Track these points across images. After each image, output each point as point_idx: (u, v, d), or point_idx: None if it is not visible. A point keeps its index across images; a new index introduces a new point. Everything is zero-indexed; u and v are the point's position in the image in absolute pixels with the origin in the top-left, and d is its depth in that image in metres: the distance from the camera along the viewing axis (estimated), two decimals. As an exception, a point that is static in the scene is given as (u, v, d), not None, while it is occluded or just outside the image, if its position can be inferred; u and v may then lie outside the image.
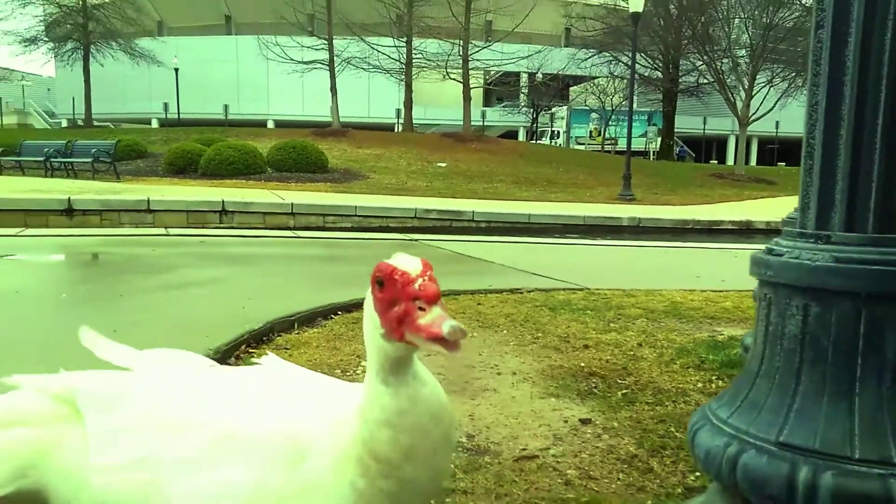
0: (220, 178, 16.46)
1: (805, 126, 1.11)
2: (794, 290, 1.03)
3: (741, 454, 1.00)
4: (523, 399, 2.44)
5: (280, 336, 3.30)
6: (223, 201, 11.51)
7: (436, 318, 0.81)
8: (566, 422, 2.21)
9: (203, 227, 10.13)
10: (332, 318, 3.77)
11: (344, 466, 0.93)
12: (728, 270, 6.50)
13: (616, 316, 3.92)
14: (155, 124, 36.68)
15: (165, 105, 36.46)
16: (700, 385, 2.59)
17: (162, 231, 8.39)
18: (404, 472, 0.91)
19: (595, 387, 2.61)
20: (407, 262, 0.87)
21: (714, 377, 2.67)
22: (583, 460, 1.89)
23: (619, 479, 1.77)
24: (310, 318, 3.68)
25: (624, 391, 2.55)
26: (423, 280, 0.84)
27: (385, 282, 0.87)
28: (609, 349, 3.11)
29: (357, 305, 4.05)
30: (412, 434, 0.90)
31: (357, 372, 2.74)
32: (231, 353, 2.93)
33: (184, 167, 17.60)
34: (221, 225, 11.14)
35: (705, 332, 3.51)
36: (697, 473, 1.78)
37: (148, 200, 11.16)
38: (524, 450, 1.95)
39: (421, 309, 0.83)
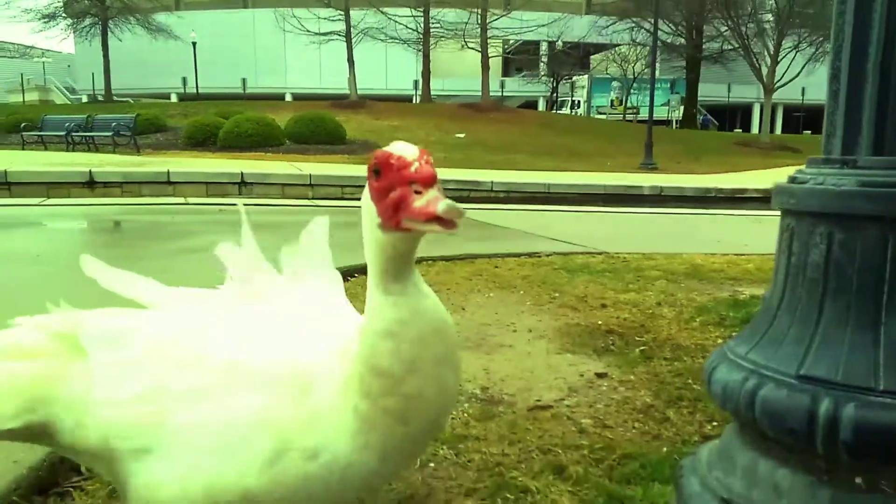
0: (238, 151, 16.51)
1: (832, 47, 1.05)
2: (819, 218, 0.98)
3: (760, 388, 0.97)
4: (539, 354, 2.42)
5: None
6: (242, 173, 11.55)
7: (431, 200, 0.79)
8: (582, 375, 2.18)
9: (222, 198, 10.18)
10: (349, 280, 3.77)
11: (346, 392, 0.92)
12: (751, 235, 6.40)
13: (635, 278, 3.87)
14: (174, 99, 36.76)
15: (184, 80, 36.47)
16: (720, 341, 2.55)
17: (181, 200, 8.44)
18: (408, 385, 0.89)
19: (612, 344, 2.58)
20: (404, 148, 0.85)
21: (734, 333, 2.61)
22: (598, 410, 1.86)
23: (634, 427, 1.75)
24: (326, 281, 3.67)
25: (642, 348, 2.51)
26: (420, 164, 0.83)
27: (381, 169, 0.85)
28: (627, 308, 3.07)
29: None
30: (414, 345, 0.88)
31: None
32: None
33: (203, 140, 17.67)
34: (241, 196, 11.19)
35: (726, 293, 3.45)
36: (715, 422, 1.75)
37: (168, 172, 11.24)
38: (538, 401, 1.94)
39: (417, 193, 0.81)
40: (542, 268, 4.20)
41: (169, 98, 37.27)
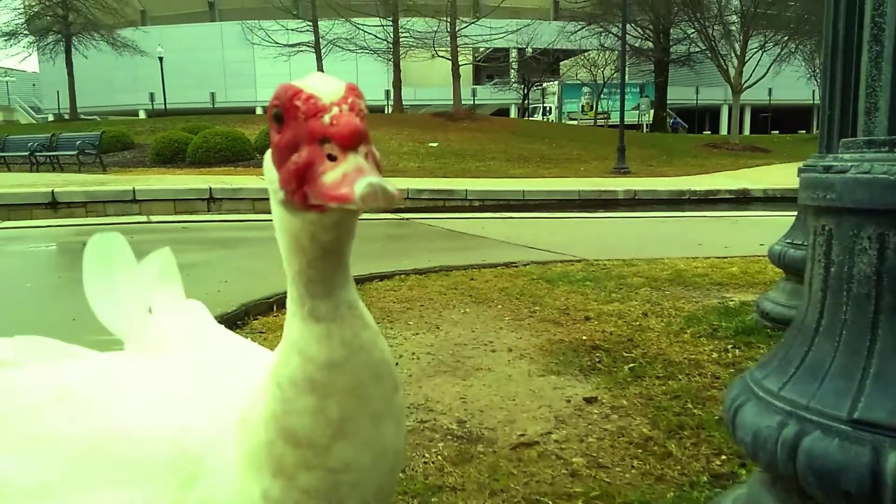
0: (208, 166, 16.14)
1: (868, 5, 0.85)
2: (867, 216, 0.77)
3: (802, 437, 0.76)
4: (520, 378, 2.20)
5: (256, 319, 3.05)
6: (210, 188, 11.23)
7: (349, 172, 0.51)
8: (569, 401, 1.97)
9: (191, 215, 9.87)
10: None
11: (251, 471, 0.66)
12: (730, 237, 6.28)
13: (617, 286, 3.68)
14: (142, 115, 36.11)
15: (152, 95, 35.86)
16: (715, 355, 2.35)
17: (143, 219, 8.11)
18: (336, 456, 0.64)
19: (599, 361, 2.37)
20: (319, 83, 0.57)
21: (729, 346, 2.43)
22: (590, 445, 1.64)
23: (633, 466, 1.53)
24: (290, 300, 3.43)
25: (631, 365, 2.31)
26: (339, 109, 0.54)
27: (284, 113, 0.57)
28: (612, 320, 2.87)
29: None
30: (346, 398, 0.63)
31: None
32: (201, 340, 2.68)
33: (171, 157, 17.27)
34: (209, 212, 10.87)
35: (714, 299, 3.27)
36: (724, 456, 1.55)
37: (133, 190, 10.87)
38: (522, 435, 1.71)
39: (331, 157, 0.53)
40: (520, 278, 3.99)
41: (137, 115, 36.66)
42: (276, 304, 3.27)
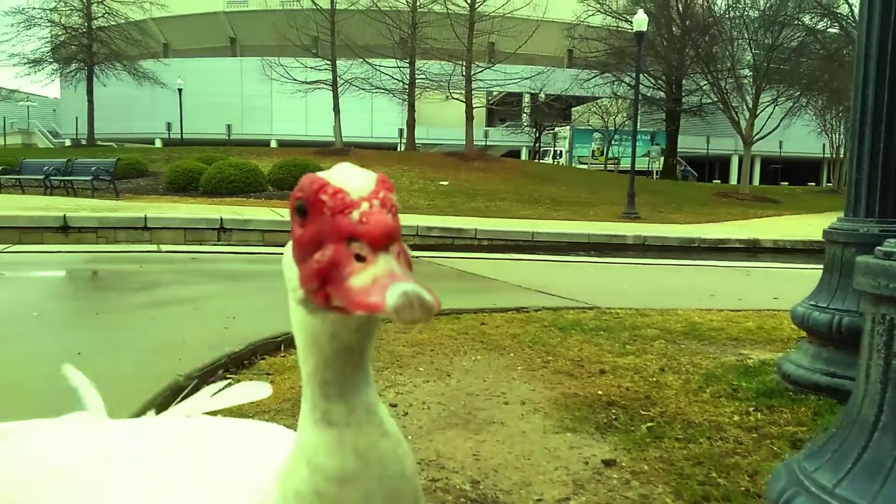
0: (220, 197, 16.27)
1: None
2: (935, 305, 0.73)
3: (865, 542, 0.70)
4: (535, 434, 2.13)
5: (263, 359, 2.99)
6: (221, 218, 11.27)
7: (379, 277, 0.46)
8: (587, 463, 1.89)
9: (200, 244, 9.88)
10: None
11: None
12: (743, 289, 6.21)
13: (632, 337, 3.61)
14: (158, 144, 36.62)
15: (168, 125, 36.44)
16: (736, 418, 2.27)
17: (154, 248, 8.11)
18: None
19: (615, 419, 2.29)
20: (348, 174, 0.53)
21: (751, 408, 2.35)
22: (611, 515, 1.57)
23: (657, 540, 1.46)
24: (299, 340, 3.37)
25: (649, 424, 2.23)
26: (369, 206, 0.50)
27: (308, 207, 0.52)
28: (628, 375, 2.80)
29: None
30: None
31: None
32: (206, 379, 2.62)
33: (184, 185, 17.44)
34: (219, 242, 10.89)
35: (732, 356, 3.20)
36: (754, 533, 1.47)
37: (145, 218, 10.93)
38: (540, 501, 1.64)
39: (359, 258, 0.48)
40: (532, 325, 3.93)
41: (153, 143, 37.18)
42: (283, 343, 3.22)
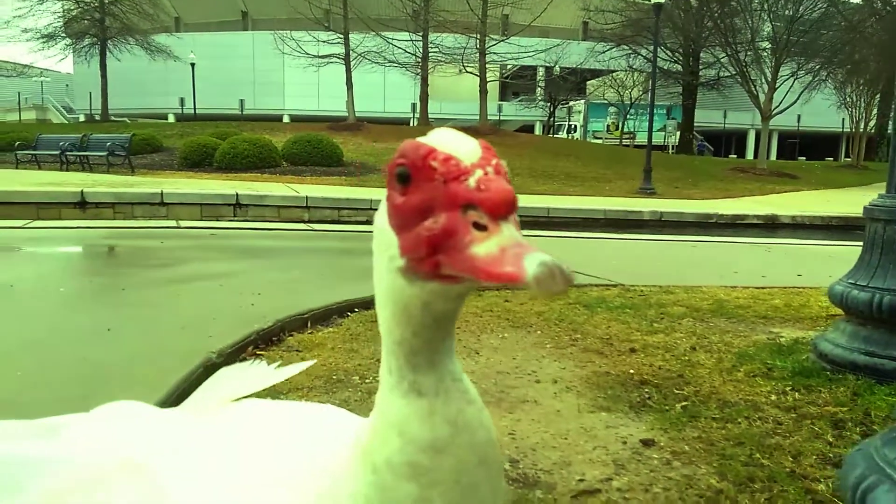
0: (234, 172, 16.27)
1: None
2: None
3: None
4: (570, 413, 2.11)
5: (291, 336, 2.99)
6: (237, 194, 11.29)
7: (507, 246, 0.45)
8: (625, 443, 1.87)
9: (217, 220, 9.91)
10: (348, 315, 3.47)
11: None
12: (766, 266, 6.14)
13: (658, 315, 3.58)
14: (171, 119, 36.62)
15: (182, 100, 36.39)
16: (773, 397, 2.24)
17: (173, 223, 8.14)
18: None
19: (649, 398, 2.27)
20: (454, 141, 0.51)
21: (787, 388, 2.32)
22: (656, 497, 1.55)
23: (706, 522, 1.44)
24: (324, 316, 3.38)
25: (683, 403, 2.21)
26: (484, 172, 0.48)
27: (413, 174, 0.50)
28: (659, 353, 2.77)
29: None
30: (451, 489, 0.54)
31: (378, 378, 2.42)
32: (237, 356, 2.63)
33: (199, 161, 17.44)
34: (235, 218, 10.92)
35: (762, 334, 3.16)
36: (804, 516, 1.45)
37: (161, 193, 10.96)
38: (581, 480, 1.62)
39: (478, 226, 0.46)
40: (556, 302, 3.90)
41: (166, 118, 37.23)
42: (310, 320, 3.21)
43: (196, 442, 0.71)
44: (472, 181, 0.48)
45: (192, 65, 32.30)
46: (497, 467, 0.60)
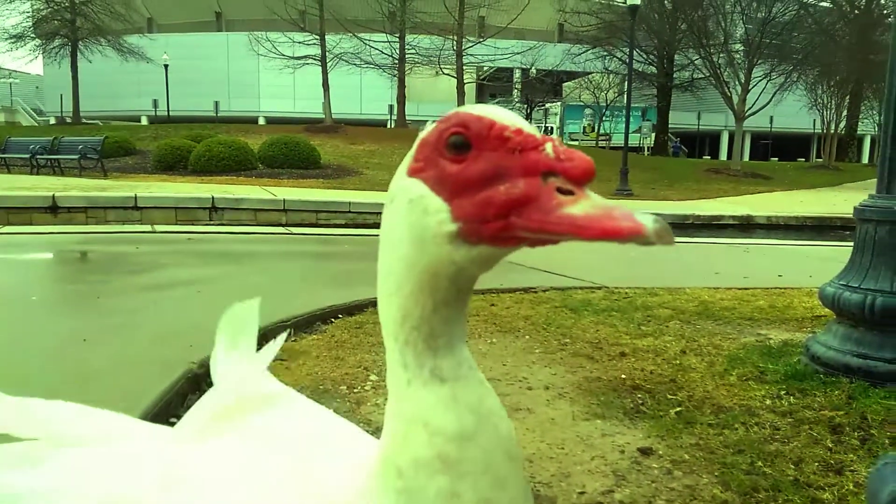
0: (210, 175, 16.02)
1: None
2: None
3: None
4: (564, 421, 2.07)
5: (275, 344, 2.91)
6: (213, 198, 11.11)
7: (606, 207, 0.47)
8: (622, 452, 1.83)
9: (193, 224, 9.73)
10: (332, 322, 3.39)
11: None
12: (746, 266, 6.19)
13: (645, 318, 3.56)
14: (145, 121, 36.05)
15: (155, 102, 35.83)
16: (768, 402, 2.22)
17: (148, 228, 7.96)
18: None
19: (642, 403, 2.24)
20: (510, 114, 0.53)
21: (782, 392, 2.30)
22: (662, 509, 1.51)
23: (715, 536, 1.40)
24: (308, 323, 3.30)
25: (677, 409, 2.18)
26: (556, 144, 0.51)
27: (475, 143, 0.51)
28: (649, 357, 2.74)
29: (359, 307, 3.67)
30: (481, 481, 0.52)
31: (365, 388, 2.35)
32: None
33: (173, 164, 17.16)
34: (211, 222, 10.74)
35: (750, 336, 3.15)
36: (813, 527, 1.42)
37: (135, 197, 10.74)
38: (582, 493, 1.58)
39: (563, 191, 0.49)
40: (542, 305, 3.87)
41: (139, 121, 36.62)
42: (293, 327, 3.13)
43: (192, 474, 0.66)
44: (550, 150, 0.51)
45: (166, 66, 31.84)
46: (520, 463, 0.58)
